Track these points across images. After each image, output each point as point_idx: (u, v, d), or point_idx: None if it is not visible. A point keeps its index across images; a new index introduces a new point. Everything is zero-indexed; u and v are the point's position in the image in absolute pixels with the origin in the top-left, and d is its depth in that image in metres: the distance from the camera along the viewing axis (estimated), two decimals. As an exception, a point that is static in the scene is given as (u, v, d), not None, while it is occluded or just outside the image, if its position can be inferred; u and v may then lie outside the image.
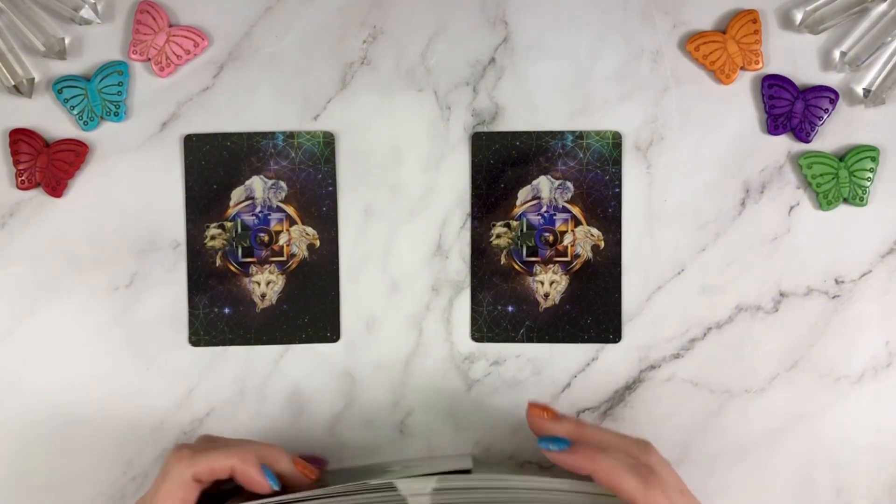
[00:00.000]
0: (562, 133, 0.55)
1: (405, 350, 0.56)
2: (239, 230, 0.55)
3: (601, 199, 0.56)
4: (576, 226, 0.56)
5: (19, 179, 0.55)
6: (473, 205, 0.56)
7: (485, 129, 0.56)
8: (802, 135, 0.55)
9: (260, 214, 0.56)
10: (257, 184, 0.56)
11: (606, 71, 0.56)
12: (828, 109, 0.55)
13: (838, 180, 0.55)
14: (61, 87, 0.55)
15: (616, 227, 0.55)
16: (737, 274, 0.55)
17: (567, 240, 0.56)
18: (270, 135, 0.55)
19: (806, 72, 0.55)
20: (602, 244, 0.56)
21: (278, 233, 0.56)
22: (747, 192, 0.55)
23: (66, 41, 0.55)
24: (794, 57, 0.55)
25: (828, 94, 0.55)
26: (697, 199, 0.56)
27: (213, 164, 0.55)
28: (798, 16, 0.55)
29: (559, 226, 0.56)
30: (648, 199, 0.56)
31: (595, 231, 0.56)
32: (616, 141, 0.55)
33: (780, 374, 0.55)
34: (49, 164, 0.55)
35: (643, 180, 0.56)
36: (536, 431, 0.47)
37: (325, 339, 0.56)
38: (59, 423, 0.55)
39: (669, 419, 0.55)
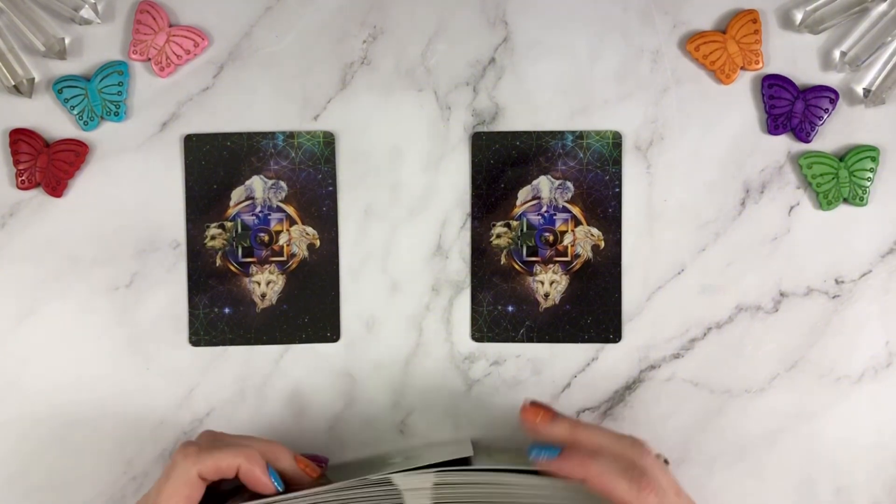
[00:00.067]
0: (562, 133, 0.55)
1: (405, 350, 0.56)
2: (239, 230, 0.55)
3: (601, 199, 0.56)
4: (576, 226, 0.56)
5: (19, 179, 0.55)
6: (473, 205, 0.56)
7: (485, 129, 0.56)
8: (802, 135, 0.55)
9: (260, 214, 0.56)
10: (257, 184, 0.56)
11: (606, 71, 0.56)
12: (828, 109, 0.55)
13: (838, 180, 0.55)
14: (61, 87, 0.55)
15: (616, 227, 0.55)
16: (737, 274, 0.55)
17: (567, 240, 0.56)
18: (270, 135, 0.55)
19: (806, 72, 0.55)
20: (602, 244, 0.56)
21: (278, 233, 0.56)
22: (747, 192, 0.55)
23: (66, 41, 0.55)
24: (794, 57, 0.55)
25: (828, 94, 0.55)
26: (697, 199, 0.56)
27: (213, 164, 0.55)
28: (798, 16, 0.55)
29: (559, 226, 0.56)
30: (648, 199, 0.56)
31: (595, 231, 0.56)
32: (616, 141, 0.55)
33: (780, 374, 0.55)
34: (49, 164, 0.55)
35: (643, 180, 0.56)
36: (530, 434, 0.47)
37: (325, 339, 0.56)
38: (59, 423, 0.55)
39: (669, 419, 0.55)
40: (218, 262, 0.55)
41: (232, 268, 0.55)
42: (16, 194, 0.55)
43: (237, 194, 0.56)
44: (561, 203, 0.56)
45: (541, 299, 0.56)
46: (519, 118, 0.56)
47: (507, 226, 0.56)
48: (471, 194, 0.56)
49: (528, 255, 0.56)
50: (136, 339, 0.55)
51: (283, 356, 0.56)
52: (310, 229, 0.56)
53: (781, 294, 0.55)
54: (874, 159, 0.55)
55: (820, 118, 0.55)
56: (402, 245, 0.56)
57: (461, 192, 0.56)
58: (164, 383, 0.55)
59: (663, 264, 0.56)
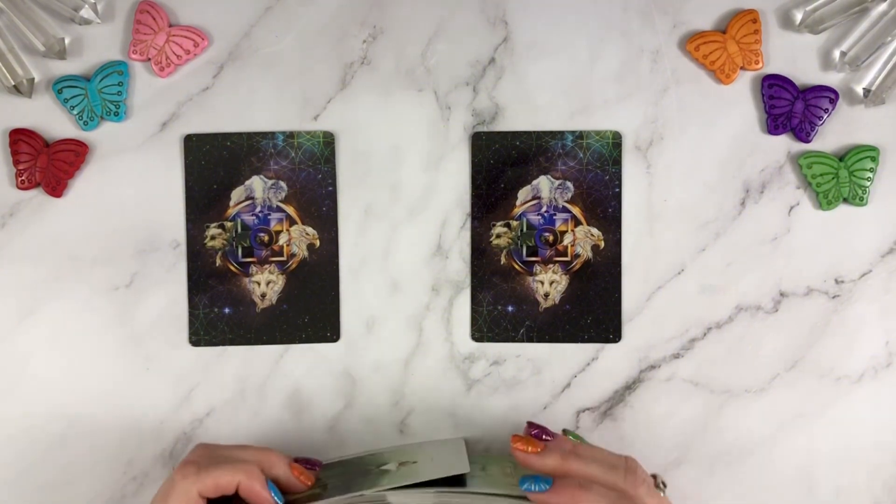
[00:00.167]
0: (562, 133, 0.55)
1: (405, 350, 0.56)
2: (239, 230, 0.55)
3: (601, 199, 0.56)
4: (576, 226, 0.56)
5: (19, 179, 0.55)
6: (473, 205, 0.56)
7: (485, 128, 0.56)
8: (802, 135, 0.55)
9: (260, 214, 0.56)
10: (257, 184, 0.56)
11: (606, 71, 0.56)
12: (828, 109, 0.55)
13: (838, 180, 0.55)
14: (61, 87, 0.55)
15: (616, 227, 0.55)
16: (737, 274, 0.55)
17: (567, 240, 0.56)
18: (270, 135, 0.55)
19: (806, 72, 0.55)
20: (602, 244, 0.56)
21: (278, 233, 0.56)
22: (747, 192, 0.55)
23: (66, 41, 0.55)
24: (794, 57, 0.55)
25: (828, 94, 0.55)
26: (697, 199, 0.56)
27: (213, 164, 0.55)
28: (798, 16, 0.55)
29: (559, 226, 0.56)
30: (648, 199, 0.56)
31: (595, 231, 0.56)
32: (616, 141, 0.55)
33: (780, 374, 0.55)
34: (49, 164, 0.55)
35: (643, 180, 0.56)
36: (521, 465, 0.47)
37: (325, 339, 0.56)
38: (59, 423, 0.55)
39: (669, 419, 0.55)
40: (218, 262, 0.55)
41: (232, 268, 0.55)
42: (16, 194, 0.55)
43: (237, 194, 0.56)
44: (561, 203, 0.56)
45: (541, 299, 0.56)
46: (519, 118, 0.56)
47: (507, 226, 0.56)
48: (471, 194, 0.56)
49: (528, 255, 0.56)
50: (136, 339, 0.55)
51: (283, 356, 0.56)
52: (310, 229, 0.56)
53: (781, 294, 0.55)
54: (874, 159, 0.55)
55: (820, 118, 0.55)
56: (402, 245, 0.56)
57: (461, 192, 0.56)
58: (165, 383, 0.55)
59: (663, 264, 0.56)
